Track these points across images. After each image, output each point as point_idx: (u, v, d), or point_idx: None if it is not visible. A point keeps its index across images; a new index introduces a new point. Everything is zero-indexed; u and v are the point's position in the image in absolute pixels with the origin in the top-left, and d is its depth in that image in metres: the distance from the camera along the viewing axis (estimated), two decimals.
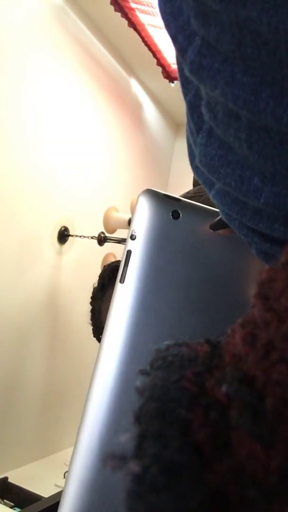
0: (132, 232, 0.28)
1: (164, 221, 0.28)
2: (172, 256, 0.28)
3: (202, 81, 0.17)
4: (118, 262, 0.99)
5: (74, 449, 0.27)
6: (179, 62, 0.20)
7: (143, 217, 0.28)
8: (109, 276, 0.93)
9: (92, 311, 0.96)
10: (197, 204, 0.29)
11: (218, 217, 0.28)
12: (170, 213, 0.28)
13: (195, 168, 0.22)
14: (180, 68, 0.20)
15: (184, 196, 0.93)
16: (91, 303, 0.97)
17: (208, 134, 0.20)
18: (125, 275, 0.27)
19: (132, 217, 0.28)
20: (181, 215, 0.28)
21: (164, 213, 0.28)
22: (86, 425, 0.27)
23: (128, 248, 0.28)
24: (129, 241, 0.28)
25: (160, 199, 0.28)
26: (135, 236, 0.27)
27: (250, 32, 0.15)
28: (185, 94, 0.21)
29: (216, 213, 0.30)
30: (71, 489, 0.26)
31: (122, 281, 0.27)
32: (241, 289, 0.29)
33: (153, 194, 0.28)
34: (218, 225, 0.28)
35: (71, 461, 0.27)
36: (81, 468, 0.26)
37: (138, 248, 0.27)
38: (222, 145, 0.20)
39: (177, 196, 0.29)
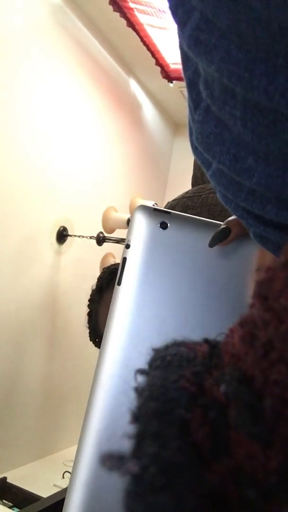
0: (127, 242, 0.32)
1: (154, 232, 0.32)
2: (162, 261, 0.32)
3: (199, 56, 0.18)
4: (117, 264, 0.99)
5: (77, 454, 0.27)
6: (179, 37, 0.20)
7: (136, 229, 0.32)
8: (108, 278, 0.92)
9: (89, 313, 0.95)
10: (186, 215, 0.34)
11: (214, 234, 0.32)
12: (159, 224, 0.32)
13: (194, 149, 0.23)
14: (180, 44, 0.20)
15: (183, 196, 0.92)
16: (89, 306, 0.95)
17: (205, 111, 0.20)
18: (121, 278, 0.32)
19: (128, 229, 0.33)
20: (169, 225, 0.33)
21: (154, 224, 0.32)
22: (89, 428, 0.28)
23: (124, 255, 0.32)
24: (125, 249, 0.32)
25: (150, 213, 0.33)
26: (129, 245, 0.32)
27: (244, 7, 0.15)
28: (185, 70, 0.21)
29: (204, 222, 0.33)
30: (76, 493, 0.27)
31: (119, 283, 0.32)
32: (226, 291, 0.32)
33: (144, 209, 0.33)
34: (215, 241, 0.32)
35: (75, 464, 0.27)
36: (85, 471, 0.27)
37: (131, 255, 0.32)
38: (218, 123, 0.20)
39: (167, 209, 0.33)
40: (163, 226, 0.32)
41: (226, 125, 0.19)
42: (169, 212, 0.33)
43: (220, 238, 0.31)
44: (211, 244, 0.32)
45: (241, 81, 0.16)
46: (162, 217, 0.32)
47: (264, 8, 0.14)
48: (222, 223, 0.33)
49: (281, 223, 0.20)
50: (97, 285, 0.94)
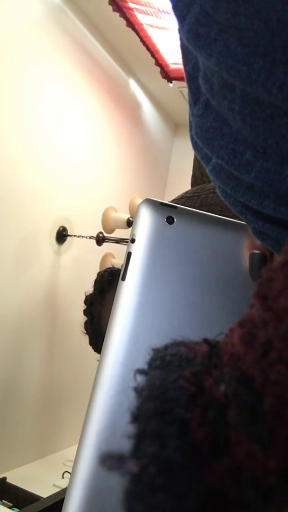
0: (132, 236, 0.31)
1: (160, 226, 0.31)
2: (168, 257, 0.31)
3: (198, 50, 0.18)
4: (114, 267, 0.98)
5: (77, 454, 0.27)
6: (179, 31, 0.20)
7: (142, 223, 0.31)
8: (108, 280, 0.91)
9: (90, 317, 0.93)
10: (192, 210, 0.33)
11: (250, 263, 0.30)
12: (165, 219, 0.31)
13: (194, 143, 0.23)
14: (180, 38, 0.20)
15: (183, 196, 0.92)
16: (88, 310, 0.94)
17: (205, 106, 0.20)
18: (126, 273, 0.31)
19: (133, 223, 0.32)
20: (175, 220, 0.32)
21: (160, 219, 0.31)
22: (90, 427, 0.28)
23: (128, 250, 0.31)
24: (130, 244, 0.31)
25: (157, 207, 0.32)
26: (135, 240, 0.31)
27: (243, 1, 0.15)
28: (185, 65, 0.21)
29: (211, 218, 0.32)
30: (75, 493, 0.26)
31: (123, 279, 0.31)
32: (232, 288, 0.31)
33: (150, 203, 0.32)
34: (254, 269, 0.30)
35: (75, 464, 0.27)
36: (86, 471, 0.27)
37: (137, 250, 0.31)
38: (218, 117, 0.20)
39: (173, 204, 0.32)
40: (170, 220, 0.31)
41: (225, 119, 0.19)
42: (175, 207, 0.32)
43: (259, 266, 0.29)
44: (254, 279, 0.30)
45: (240, 75, 0.16)
46: (168, 212, 0.32)
47: (263, 2, 0.15)
48: (230, 219, 0.32)
49: (280, 218, 0.20)
50: (97, 288, 0.93)
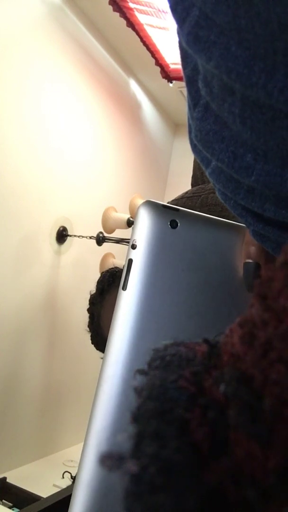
0: (133, 242, 0.29)
1: (163, 231, 0.29)
2: (172, 263, 0.29)
3: (198, 53, 0.18)
4: (116, 268, 0.99)
5: (82, 453, 0.27)
6: (178, 34, 0.20)
7: (143, 227, 0.29)
8: (109, 281, 0.92)
9: (91, 316, 0.95)
10: (196, 213, 0.31)
11: (245, 273, 0.29)
12: (168, 223, 0.29)
13: (193, 146, 0.23)
14: (179, 41, 0.20)
15: (183, 196, 0.92)
16: (90, 309, 0.96)
17: (204, 109, 0.20)
18: (127, 282, 0.28)
19: (133, 227, 0.30)
20: (179, 224, 0.29)
21: (163, 222, 0.29)
22: (94, 430, 0.27)
23: (129, 257, 0.29)
24: (130, 250, 0.29)
25: (159, 210, 0.30)
26: (136, 246, 0.29)
27: (243, 3, 0.15)
28: (184, 68, 0.21)
29: (214, 221, 0.31)
30: (80, 493, 0.26)
31: (124, 288, 0.28)
32: (239, 293, 0.30)
33: (152, 205, 0.30)
34: (249, 279, 0.29)
35: (80, 464, 0.27)
36: (90, 471, 0.26)
37: (138, 256, 0.29)
38: (217, 120, 0.20)
39: (176, 206, 0.30)
40: (173, 225, 0.29)
41: (225, 122, 0.19)
42: (178, 209, 0.30)
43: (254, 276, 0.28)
44: (249, 289, 0.29)
45: (240, 78, 0.16)
46: (171, 215, 0.29)
47: (263, 4, 0.14)
48: (233, 222, 0.31)
49: (280, 221, 0.20)
50: (97, 288, 0.94)
